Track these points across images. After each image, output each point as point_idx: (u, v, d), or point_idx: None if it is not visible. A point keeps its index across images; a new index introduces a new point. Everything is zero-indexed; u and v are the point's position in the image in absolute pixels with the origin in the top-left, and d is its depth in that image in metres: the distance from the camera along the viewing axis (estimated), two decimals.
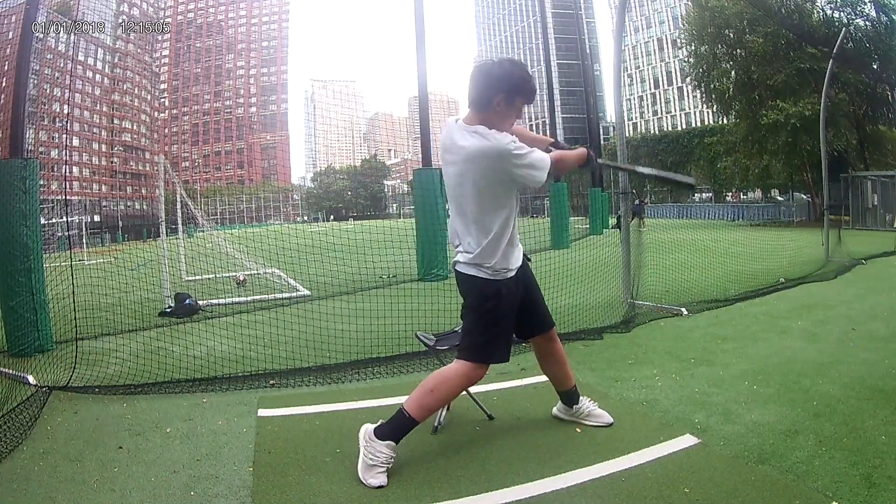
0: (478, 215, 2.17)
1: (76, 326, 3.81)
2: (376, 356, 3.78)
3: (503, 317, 2.24)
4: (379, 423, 2.20)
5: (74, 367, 3.49)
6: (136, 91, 75.69)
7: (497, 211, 2.17)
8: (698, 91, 24.31)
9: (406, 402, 2.20)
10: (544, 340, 2.49)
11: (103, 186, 68.47)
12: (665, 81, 70.22)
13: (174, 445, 2.48)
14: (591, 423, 2.55)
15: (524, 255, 2.38)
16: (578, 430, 2.53)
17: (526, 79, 2.15)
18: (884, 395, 2.77)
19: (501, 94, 2.11)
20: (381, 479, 2.07)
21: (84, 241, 19.73)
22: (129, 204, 69.56)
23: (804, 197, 25.38)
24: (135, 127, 74.74)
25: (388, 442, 2.13)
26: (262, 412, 2.86)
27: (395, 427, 2.16)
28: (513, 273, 2.25)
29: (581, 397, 2.60)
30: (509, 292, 2.23)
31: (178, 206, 7.90)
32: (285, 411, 2.87)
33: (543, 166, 2.12)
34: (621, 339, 4.20)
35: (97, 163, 68.19)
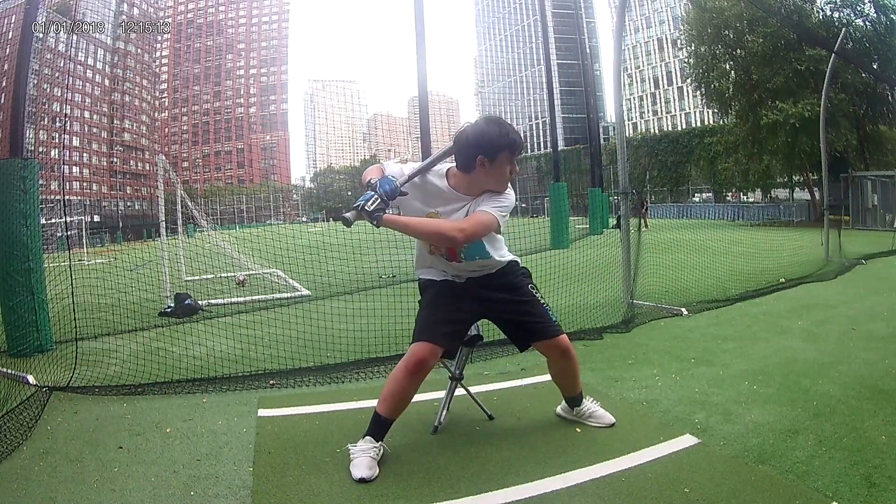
0: None
1: (76, 327, 3.80)
2: (376, 356, 3.78)
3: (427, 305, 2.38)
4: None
5: (74, 368, 3.48)
6: (136, 91, 75.70)
7: None
8: (699, 92, 24.37)
9: None
10: (546, 349, 2.43)
11: (103, 186, 68.48)
12: (665, 81, 70.19)
13: (174, 445, 2.48)
14: (593, 424, 2.55)
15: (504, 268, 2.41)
16: (578, 430, 2.53)
17: (503, 133, 2.17)
18: (884, 395, 2.77)
19: (480, 153, 2.15)
20: (361, 472, 2.10)
21: (84, 241, 19.70)
22: (128, 204, 69.58)
23: (797, 197, 25.44)
24: (135, 127, 74.75)
25: (367, 437, 2.23)
26: (262, 412, 2.86)
27: (371, 425, 2.27)
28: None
29: (584, 398, 2.60)
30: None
31: (178, 206, 7.90)
32: (285, 411, 2.87)
33: None
34: (621, 339, 4.20)
35: (97, 163, 68.19)
